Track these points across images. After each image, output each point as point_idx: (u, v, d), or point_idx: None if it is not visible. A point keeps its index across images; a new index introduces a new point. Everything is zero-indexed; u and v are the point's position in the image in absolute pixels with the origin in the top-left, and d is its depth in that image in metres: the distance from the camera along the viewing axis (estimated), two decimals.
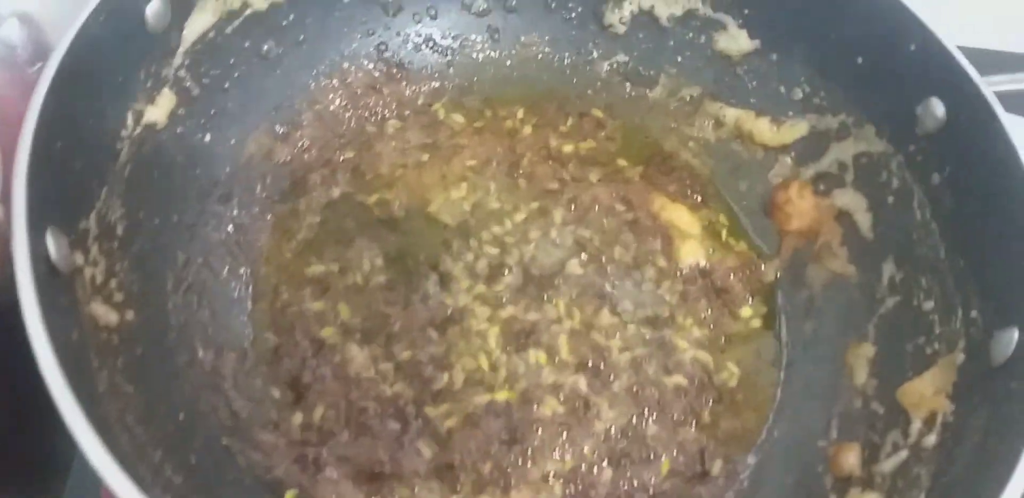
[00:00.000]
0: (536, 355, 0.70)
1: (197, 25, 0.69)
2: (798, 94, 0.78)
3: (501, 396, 0.67)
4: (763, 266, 0.77)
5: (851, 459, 0.64)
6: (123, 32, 0.61)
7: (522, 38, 0.87)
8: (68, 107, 0.55)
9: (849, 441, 0.65)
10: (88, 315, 0.54)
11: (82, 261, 0.55)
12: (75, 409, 0.43)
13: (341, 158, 0.79)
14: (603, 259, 0.75)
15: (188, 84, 0.70)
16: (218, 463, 0.60)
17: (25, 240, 0.46)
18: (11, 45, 0.73)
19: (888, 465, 0.61)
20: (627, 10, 0.83)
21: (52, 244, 0.50)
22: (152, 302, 0.62)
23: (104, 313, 0.55)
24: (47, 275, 0.48)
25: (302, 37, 0.79)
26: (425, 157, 0.80)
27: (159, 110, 0.67)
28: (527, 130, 0.83)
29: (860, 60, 0.72)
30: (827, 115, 0.76)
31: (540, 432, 0.66)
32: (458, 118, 0.83)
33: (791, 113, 0.79)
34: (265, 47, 0.76)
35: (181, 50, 0.68)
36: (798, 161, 0.79)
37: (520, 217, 0.77)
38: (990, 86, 0.62)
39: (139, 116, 0.64)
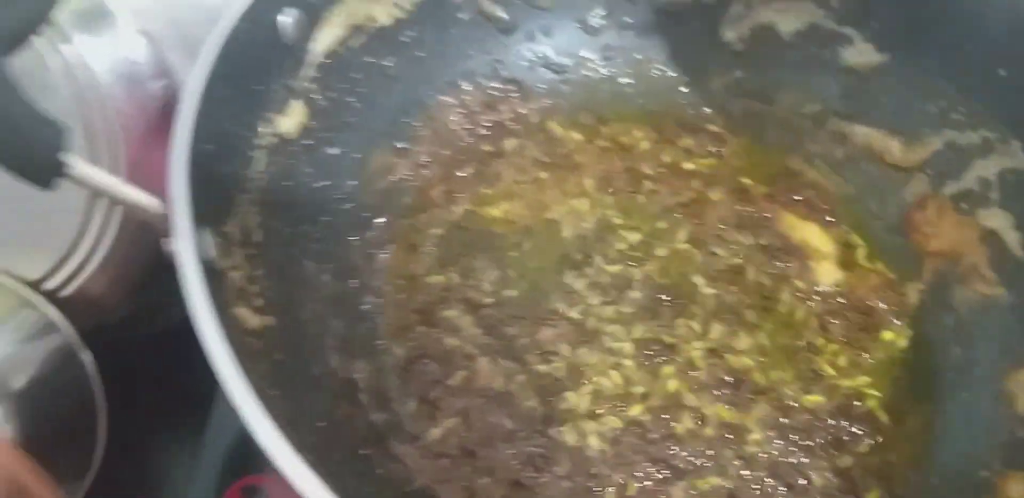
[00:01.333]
0: (672, 375, 0.67)
1: (326, 38, 0.69)
2: (933, 110, 0.74)
3: (637, 412, 0.65)
4: (905, 288, 0.73)
5: (1020, 489, 0.59)
6: (264, 40, 0.62)
7: (637, 55, 0.85)
8: (217, 110, 0.54)
9: (1016, 470, 0.61)
10: (234, 317, 0.52)
11: (228, 264, 0.54)
12: (244, 388, 0.43)
13: (461, 175, 0.78)
14: (735, 279, 0.72)
15: (316, 96, 0.69)
16: (359, 473, 0.58)
17: (190, 231, 0.46)
18: (135, 62, 0.74)
19: None
20: (746, 26, 0.82)
21: (207, 242, 0.49)
22: (287, 310, 0.61)
23: (248, 317, 0.54)
24: (206, 270, 0.47)
25: (421, 54, 0.78)
26: (544, 174, 0.79)
27: (290, 121, 0.66)
28: (644, 147, 0.81)
29: (1003, 72, 0.69)
30: (966, 131, 0.72)
31: (682, 452, 0.63)
32: (575, 135, 0.82)
33: (926, 129, 0.75)
34: (387, 63, 0.76)
35: (311, 62, 0.68)
36: (935, 179, 0.74)
37: (643, 234, 0.75)
38: None
39: (272, 126, 0.64)
